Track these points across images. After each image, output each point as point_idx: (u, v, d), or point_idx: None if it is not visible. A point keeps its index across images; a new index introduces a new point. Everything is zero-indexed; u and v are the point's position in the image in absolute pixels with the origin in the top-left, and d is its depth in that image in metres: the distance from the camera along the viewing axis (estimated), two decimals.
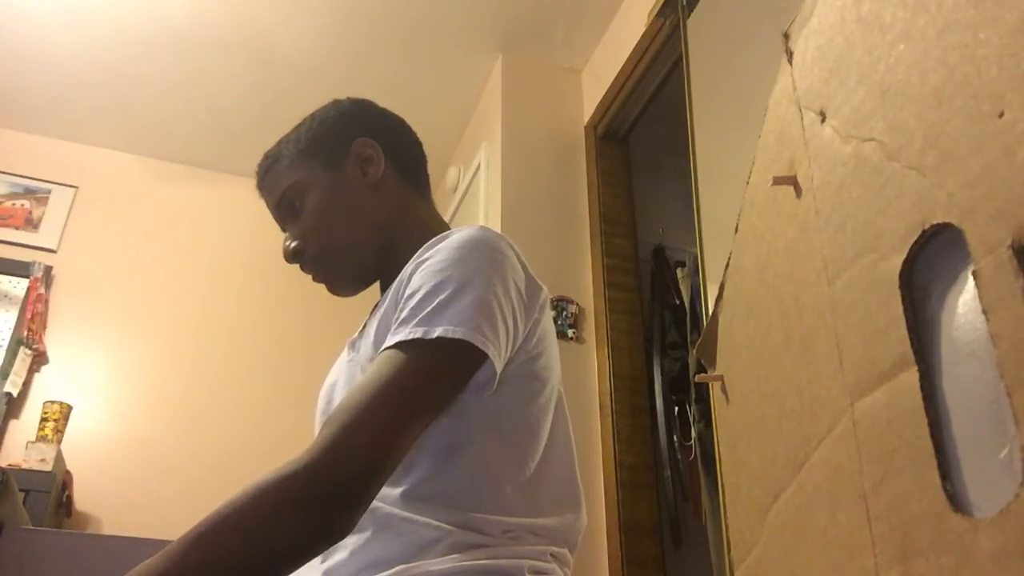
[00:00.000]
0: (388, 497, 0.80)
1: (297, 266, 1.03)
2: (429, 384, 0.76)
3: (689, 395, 2.37)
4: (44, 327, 2.90)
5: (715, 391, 1.46)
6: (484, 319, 0.79)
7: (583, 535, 0.92)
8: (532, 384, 0.87)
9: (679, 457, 2.39)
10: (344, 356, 0.99)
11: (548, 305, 0.93)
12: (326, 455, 0.69)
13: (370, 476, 0.70)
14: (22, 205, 3.10)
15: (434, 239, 0.89)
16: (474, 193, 2.78)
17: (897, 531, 0.90)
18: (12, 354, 2.77)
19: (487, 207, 2.64)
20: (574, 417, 0.98)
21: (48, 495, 2.33)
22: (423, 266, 0.85)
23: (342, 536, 0.70)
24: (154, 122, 3.12)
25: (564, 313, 2.41)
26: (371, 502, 0.71)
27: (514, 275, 0.86)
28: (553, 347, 0.92)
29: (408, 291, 0.84)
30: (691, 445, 2.31)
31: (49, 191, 3.15)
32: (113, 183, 3.25)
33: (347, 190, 1.01)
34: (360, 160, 1.02)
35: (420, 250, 0.89)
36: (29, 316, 2.84)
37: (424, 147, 1.14)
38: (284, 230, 1.04)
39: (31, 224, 3.08)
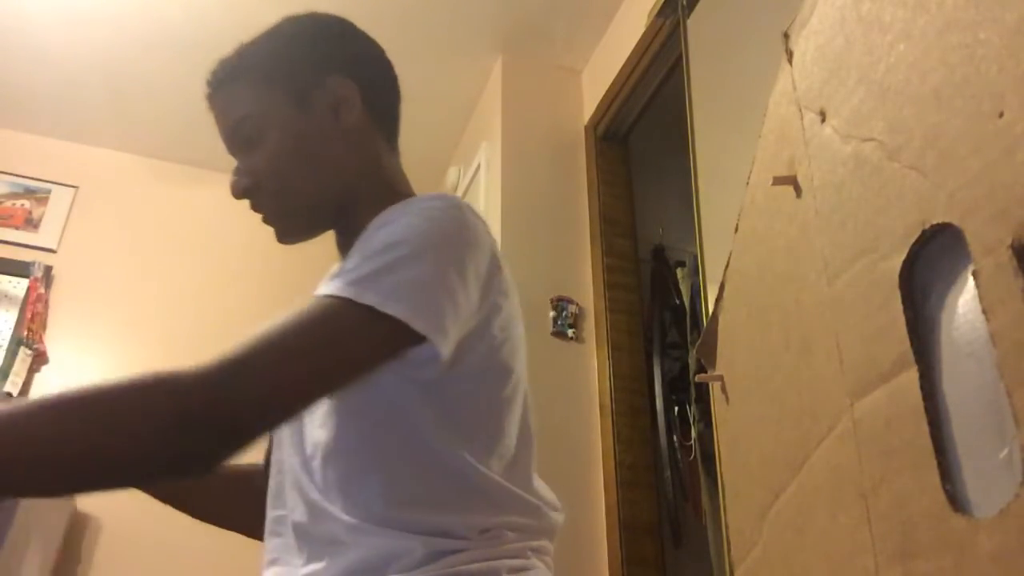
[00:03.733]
0: (357, 510, 0.76)
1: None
2: (343, 346, 0.70)
3: (689, 395, 2.37)
4: (44, 327, 2.89)
5: (715, 391, 1.46)
6: (427, 296, 0.72)
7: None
8: (496, 374, 0.81)
9: (679, 457, 2.39)
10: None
11: (512, 290, 0.85)
12: (218, 375, 0.64)
13: (253, 411, 0.65)
14: (22, 205, 3.10)
15: (400, 204, 0.81)
16: (474, 193, 2.78)
17: (897, 531, 0.90)
18: (12, 354, 2.77)
19: (487, 207, 2.64)
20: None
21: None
22: (382, 229, 0.78)
23: (198, 470, 0.64)
24: (154, 122, 3.12)
25: (564, 313, 2.41)
26: (246, 444, 0.65)
27: (476, 251, 0.79)
28: (518, 335, 0.86)
29: (360, 248, 0.77)
30: (691, 445, 2.32)
31: (49, 191, 3.15)
32: (113, 183, 3.25)
33: (315, 133, 0.89)
34: (334, 100, 0.90)
35: (382, 214, 0.81)
36: (29, 316, 2.84)
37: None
38: (233, 156, 0.92)
39: (31, 224, 3.08)
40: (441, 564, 0.72)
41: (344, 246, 0.91)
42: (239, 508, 0.97)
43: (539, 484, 0.86)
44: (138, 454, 0.63)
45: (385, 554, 0.73)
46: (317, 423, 0.81)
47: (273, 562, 0.82)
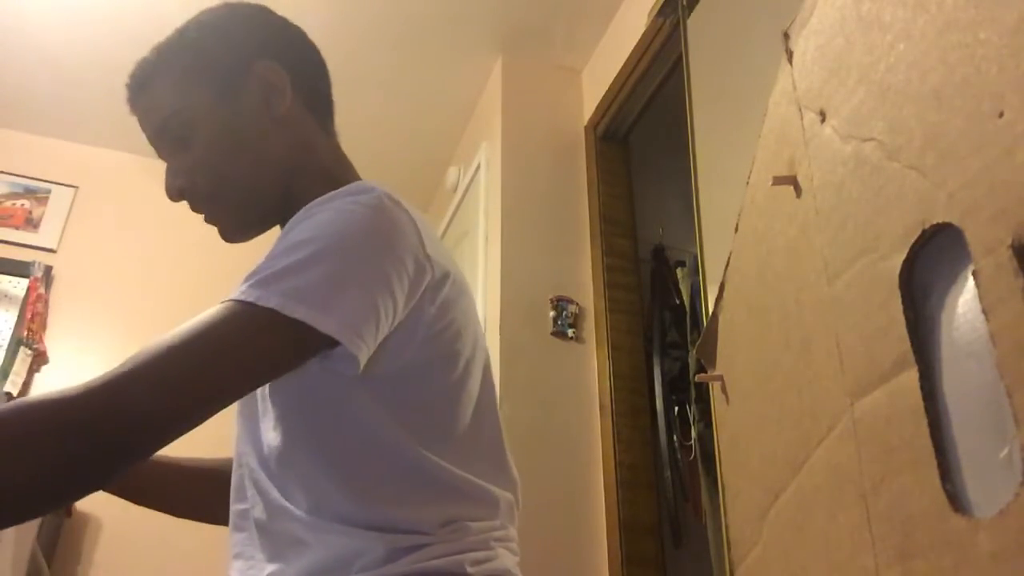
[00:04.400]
0: (316, 508, 0.75)
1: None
2: (241, 353, 0.66)
3: (689, 395, 2.37)
4: (44, 327, 2.89)
5: (715, 391, 1.46)
6: (337, 297, 0.68)
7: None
8: (441, 361, 0.79)
9: (679, 457, 2.39)
10: None
11: (449, 281, 0.80)
12: (109, 388, 0.61)
13: (140, 423, 0.62)
14: (22, 205, 3.10)
15: (322, 199, 0.77)
16: (474, 193, 2.78)
17: (897, 531, 0.90)
18: (12, 354, 2.77)
19: (487, 207, 2.64)
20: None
21: None
22: (297, 225, 0.74)
23: (94, 487, 0.62)
24: None
25: (564, 313, 2.41)
26: (135, 457, 0.63)
27: (397, 247, 0.74)
28: (464, 317, 0.82)
29: (275, 245, 0.74)
30: (691, 445, 2.32)
31: (49, 191, 3.15)
32: (113, 183, 3.25)
33: (246, 124, 0.85)
34: (263, 88, 0.86)
35: (304, 208, 0.77)
36: (29, 316, 2.84)
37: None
38: (164, 159, 0.88)
39: (31, 224, 3.08)
40: (403, 562, 0.71)
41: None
42: (213, 502, 0.95)
43: (503, 461, 0.85)
44: (24, 477, 0.59)
45: (346, 554, 0.72)
46: (270, 425, 0.79)
47: (237, 556, 0.81)
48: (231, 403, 0.68)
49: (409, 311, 0.76)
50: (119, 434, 0.61)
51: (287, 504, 0.77)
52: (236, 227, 0.89)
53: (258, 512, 0.79)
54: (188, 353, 0.64)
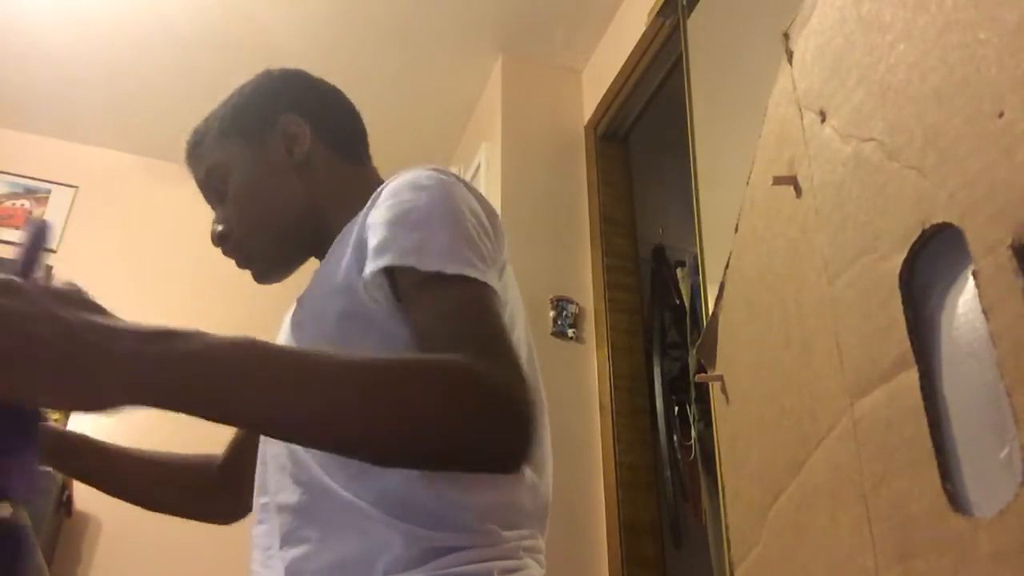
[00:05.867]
0: (357, 486, 0.74)
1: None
2: (501, 319, 0.70)
3: (689, 395, 2.37)
4: None
5: (715, 391, 1.46)
6: (475, 255, 0.73)
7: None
8: None
9: (679, 457, 2.39)
10: (290, 311, 0.93)
11: (507, 267, 0.85)
12: (505, 366, 0.63)
13: (532, 403, 0.63)
14: (22, 205, 3.10)
15: (381, 188, 0.82)
16: None
17: (897, 531, 0.90)
18: None
19: None
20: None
21: (48, 495, 2.33)
22: (386, 205, 0.78)
23: (513, 465, 0.64)
24: (154, 122, 3.12)
25: (564, 313, 2.41)
26: (535, 433, 0.64)
27: (478, 212, 0.80)
28: (515, 305, 0.85)
29: (374, 221, 0.77)
30: (691, 445, 2.32)
31: (49, 191, 3.15)
32: (113, 183, 3.25)
33: (269, 171, 0.94)
34: (285, 138, 0.95)
35: (370, 200, 0.82)
36: None
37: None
38: (213, 210, 0.98)
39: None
40: (431, 566, 0.71)
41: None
42: (152, 487, 1.05)
43: (546, 450, 0.85)
44: (456, 446, 0.62)
45: (374, 547, 0.71)
46: None
47: (256, 547, 0.83)
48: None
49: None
50: (525, 415, 0.63)
51: (324, 478, 0.76)
52: (263, 269, 0.97)
53: (284, 497, 0.79)
54: (497, 332, 0.68)
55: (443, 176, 0.81)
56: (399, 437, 0.61)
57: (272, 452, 0.84)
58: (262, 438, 0.89)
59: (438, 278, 0.71)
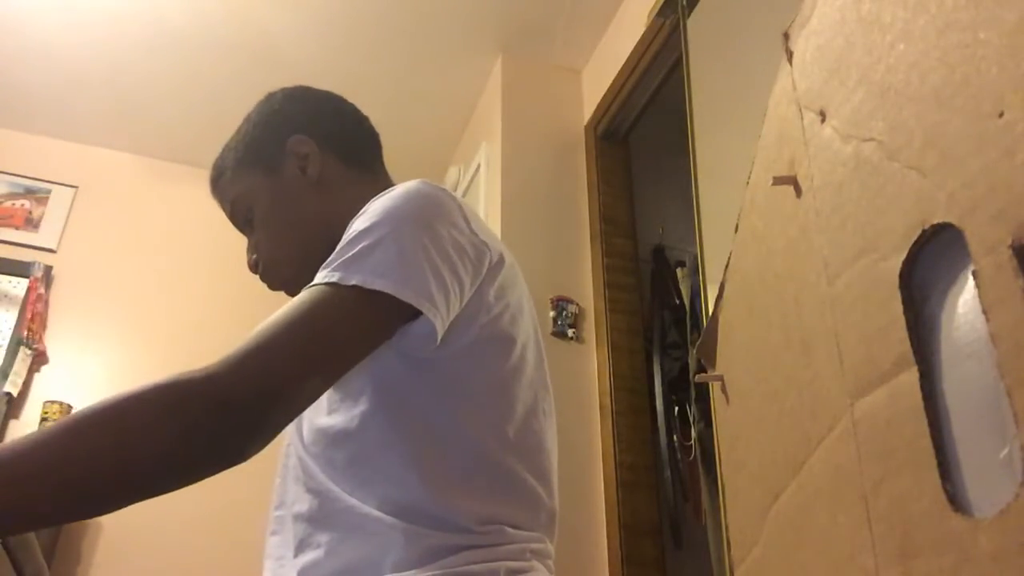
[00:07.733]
0: (362, 493, 0.76)
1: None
2: (339, 329, 0.72)
3: (689, 395, 2.37)
4: (44, 327, 2.90)
5: (715, 391, 1.46)
6: (411, 271, 0.74)
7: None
8: (498, 344, 0.83)
9: (679, 457, 2.39)
10: None
11: (505, 264, 0.88)
12: (226, 370, 0.65)
13: (267, 401, 0.65)
14: (22, 205, 3.10)
15: (374, 198, 0.85)
16: (474, 193, 2.78)
17: (897, 531, 0.90)
18: (12, 354, 2.77)
19: (487, 207, 2.64)
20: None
21: None
22: (356, 220, 0.81)
23: (229, 461, 0.65)
24: (154, 122, 3.12)
25: (564, 313, 2.41)
26: (268, 434, 0.66)
27: (452, 229, 0.81)
28: (518, 304, 0.88)
29: (341, 241, 0.80)
30: (691, 445, 2.32)
31: (49, 191, 3.15)
32: (113, 183, 3.25)
33: (288, 194, 0.98)
34: (296, 159, 0.99)
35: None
36: (29, 316, 2.84)
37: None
38: (247, 240, 1.03)
39: (31, 224, 3.08)
40: (438, 564, 0.71)
41: None
42: None
43: (548, 464, 0.86)
44: (167, 463, 0.64)
45: (381, 548, 0.73)
46: (323, 411, 0.83)
47: (268, 556, 0.84)
48: (340, 376, 0.72)
49: (472, 291, 0.80)
50: (242, 416, 0.64)
51: (332, 486, 0.78)
52: (297, 288, 0.97)
53: (298, 507, 0.81)
54: (295, 331, 0.69)
55: (431, 193, 0.82)
56: (116, 467, 0.62)
57: (291, 464, 0.86)
58: (284, 451, 0.90)
59: (332, 287, 0.73)
